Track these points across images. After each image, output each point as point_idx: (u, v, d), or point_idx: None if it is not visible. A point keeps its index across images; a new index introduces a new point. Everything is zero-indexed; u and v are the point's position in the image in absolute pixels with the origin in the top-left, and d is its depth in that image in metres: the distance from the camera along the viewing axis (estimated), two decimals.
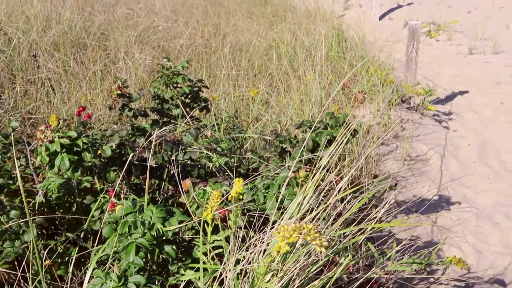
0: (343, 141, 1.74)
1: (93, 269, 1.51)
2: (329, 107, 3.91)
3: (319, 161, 1.68)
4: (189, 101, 2.81)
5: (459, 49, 7.33)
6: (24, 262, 1.74)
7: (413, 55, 4.97)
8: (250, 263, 1.44)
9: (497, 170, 3.86)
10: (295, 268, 1.43)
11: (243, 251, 1.46)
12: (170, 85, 2.73)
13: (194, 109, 2.78)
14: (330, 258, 1.78)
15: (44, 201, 2.06)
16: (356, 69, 4.82)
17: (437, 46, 7.68)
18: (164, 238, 1.66)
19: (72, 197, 2.14)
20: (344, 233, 1.71)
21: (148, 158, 1.96)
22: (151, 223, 1.63)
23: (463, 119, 4.90)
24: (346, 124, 2.12)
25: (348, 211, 1.72)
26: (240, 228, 1.68)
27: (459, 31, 8.16)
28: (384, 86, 4.65)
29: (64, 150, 1.86)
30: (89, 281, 1.48)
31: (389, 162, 3.74)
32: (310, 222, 1.54)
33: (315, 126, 2.18)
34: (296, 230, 1.13)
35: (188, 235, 1.89)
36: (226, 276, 1.46)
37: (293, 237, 1.14)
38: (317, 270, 1.56)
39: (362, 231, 1.76)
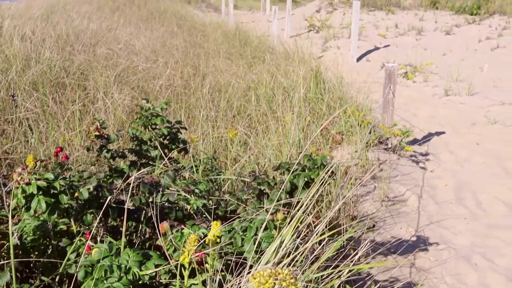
0: (321, 183, 1.75)
1: None
2: (307, 149, 3.94)
3: (297, 203, 1.69)
4: (167, 142, 2.81)
5: (435, 90, 7.53)
6: None
7: (390, 96, 5.08)
8: None
9: (474, 211, 3.91)
10: None
11: None
12: (149, 126, 2.74)
13: (173, 151, 2.78)
14: None
15: (19, 243, 2.01)
16: (336, 114, 4.90)
17: (413, 88, 7.88)
18: (140, 282, 1.63)
19: (48, 239, 2.10)
20: (321, 276, 1.70)
21: (126, 200, 1.95)
22: (127, 267, 1.60)
23: (440, 159, 4.98)
24: (324, 166, 2.14)
25: (326, 253, 1.72)
26: (218, 271, 1.66)
27: (435, 73, 8.39)
28: (362, 127, 4.72)
29: (40, 193, 1.84)
30: None
31: (367, 203, 3.76)
32: (288, 266, 1.54)
33: (293, 168, 2.19)
34: (271, 276, 1.13)
35: (165, 278, 1.86)
36: None
37: (269, 283, 1.13)
38: None
39: (340, 273, 1.76)
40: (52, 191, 1.87)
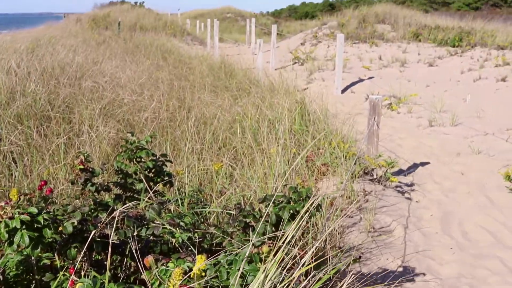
0: (306, 215, 1.76)
1: None
2: (293, 181, 3.95)
3: (283, 235, 1.69)
4: (152, 175, 2.81)
5: (420, 121, 7.64)
6: None
7: (375, 128, 5.14)
8: None
9: (460, 241, 3.92)
10: None
11: None
12: (134, 159, 2.74)
13: (158, 184, 2.77)
14: None
15: (1, 278, 1.98)
16: (316, 140, 4.93)
17: (398, 119, 7.99)
18: None
19: (31, 274, 2.07)
20: None
21: (110, 234, 1.93)
22: None
23: (425, 190, 5.01)
24: (309, 198, 2.15)
25: (312, 285, 1.71)
26: None
27: (419, 104, 8.53)
28: (347, 158, 4.76)
29: (24, 227, 1.82)
30: None
31: (353, 234, 3.76)
32: None
33: (279, 201, 2.20)
34: None
35: None
36: None
37: None
38: None
39: None
40: (35, 225, 1.85)
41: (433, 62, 12.59)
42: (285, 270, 1.69)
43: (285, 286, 1.57)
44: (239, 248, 1.95)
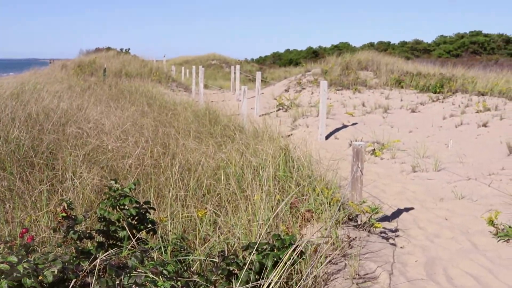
0: (290, 262, 1.76)
1: None
2: (277, 227, 3.94)
3: (266, 283, 1.68)
4: (136, 223, 2.79)
5: (403, 167, 7.72)
6: None
7: (358, 174, 5.19)
8: None
9: (445, 286, 3.91)
10: None
11: None
12: (117, 206, 2.73)
13: (141, 231, 2.75)
14: None
15: None
16: (301, 187, 4.95)
17: (381, 164, 8.06)
18: None
19: None
20: None
21: (92, 283, 1.90)
22: None
23: (410, 235, 5.02)
24: (292, 245, 2.15)
25: None
26: None
27: (402, 149, 8.64)
28: (331, 204, 4.77)
29: (3, 276, 1.79)
30: None
31: (338, 281, 3.73)
32: None
33: (262, 248, 2.19)
34: None
35: None
36: None
37: None
38: None
39: None
40: (15, 274, 1.82)
41: (416, 108, 12.85)
42: None
43: None
44: None
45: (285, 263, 1.73)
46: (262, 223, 3.88)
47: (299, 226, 4.47)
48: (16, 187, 4.72)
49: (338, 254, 4.07)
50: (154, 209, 3.07)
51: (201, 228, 3.81)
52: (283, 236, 2.25)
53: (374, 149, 8.66)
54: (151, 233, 2.84)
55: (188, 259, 2.67)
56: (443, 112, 11.84)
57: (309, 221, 4.69)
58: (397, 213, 5.65)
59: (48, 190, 4.66)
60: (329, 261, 3.81)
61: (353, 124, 11.29)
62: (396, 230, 5.14)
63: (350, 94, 15.38)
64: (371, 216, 4.96)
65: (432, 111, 12.40)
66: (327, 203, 4.72)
